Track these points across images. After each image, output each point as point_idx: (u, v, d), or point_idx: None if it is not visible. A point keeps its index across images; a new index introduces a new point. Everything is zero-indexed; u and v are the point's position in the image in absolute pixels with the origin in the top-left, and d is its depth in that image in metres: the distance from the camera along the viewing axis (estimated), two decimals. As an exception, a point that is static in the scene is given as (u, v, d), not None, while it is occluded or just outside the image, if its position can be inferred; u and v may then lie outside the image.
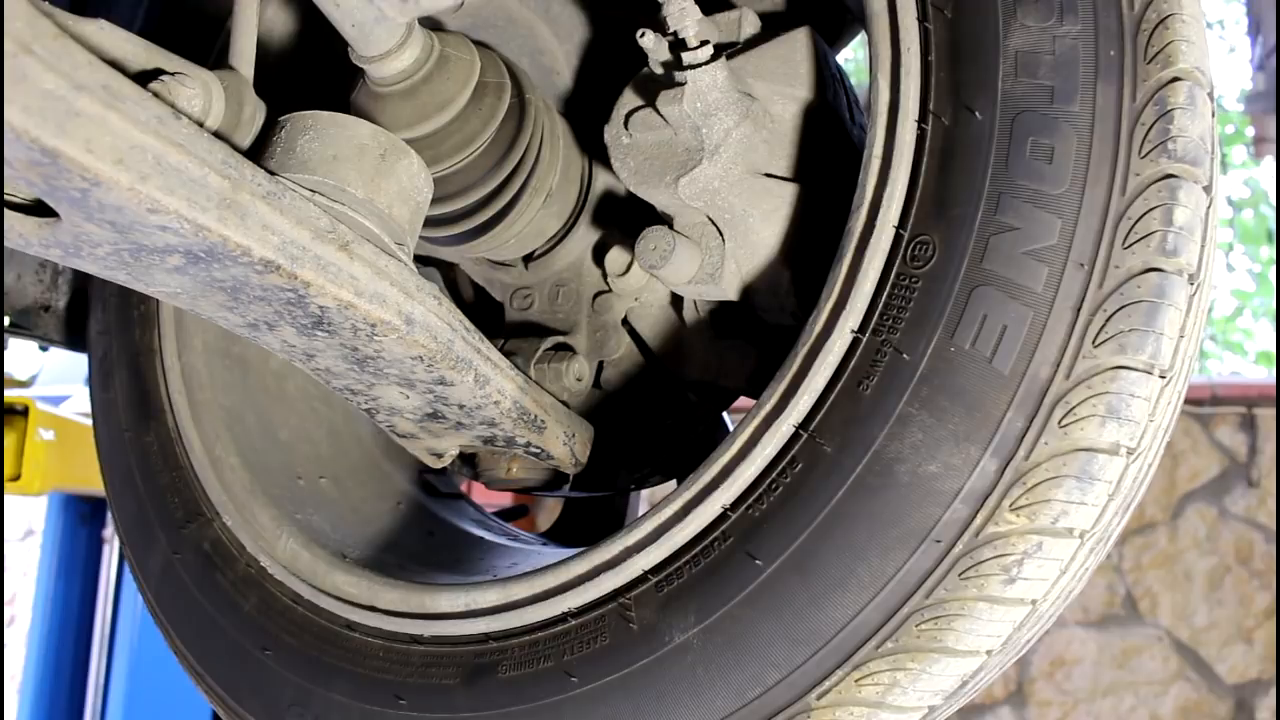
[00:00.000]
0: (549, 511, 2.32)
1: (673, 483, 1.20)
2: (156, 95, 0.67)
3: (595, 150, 1.10)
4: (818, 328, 0.82)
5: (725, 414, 1.28)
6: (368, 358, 0.81)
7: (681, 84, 0.89)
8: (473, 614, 0.93)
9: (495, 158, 0.99)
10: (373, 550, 1.12)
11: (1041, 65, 0.77)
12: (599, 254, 1.11)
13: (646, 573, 0.85)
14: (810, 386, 0.81)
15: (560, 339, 1.10)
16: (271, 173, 0.72)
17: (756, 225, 0.95)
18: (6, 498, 2.36)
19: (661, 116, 0.92)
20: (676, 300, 1.12)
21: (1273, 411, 3.60)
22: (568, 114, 1.12)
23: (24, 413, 2.12)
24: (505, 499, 2.66)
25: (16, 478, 2.10)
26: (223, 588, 1.06)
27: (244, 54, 0.82)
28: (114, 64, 0.62)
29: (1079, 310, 0.73)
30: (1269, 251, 7.98)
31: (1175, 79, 0.74)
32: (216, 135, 0.74)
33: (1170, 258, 0.73)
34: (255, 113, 0.79)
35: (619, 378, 1.14)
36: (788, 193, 0.95)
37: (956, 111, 0.79)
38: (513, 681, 0.88)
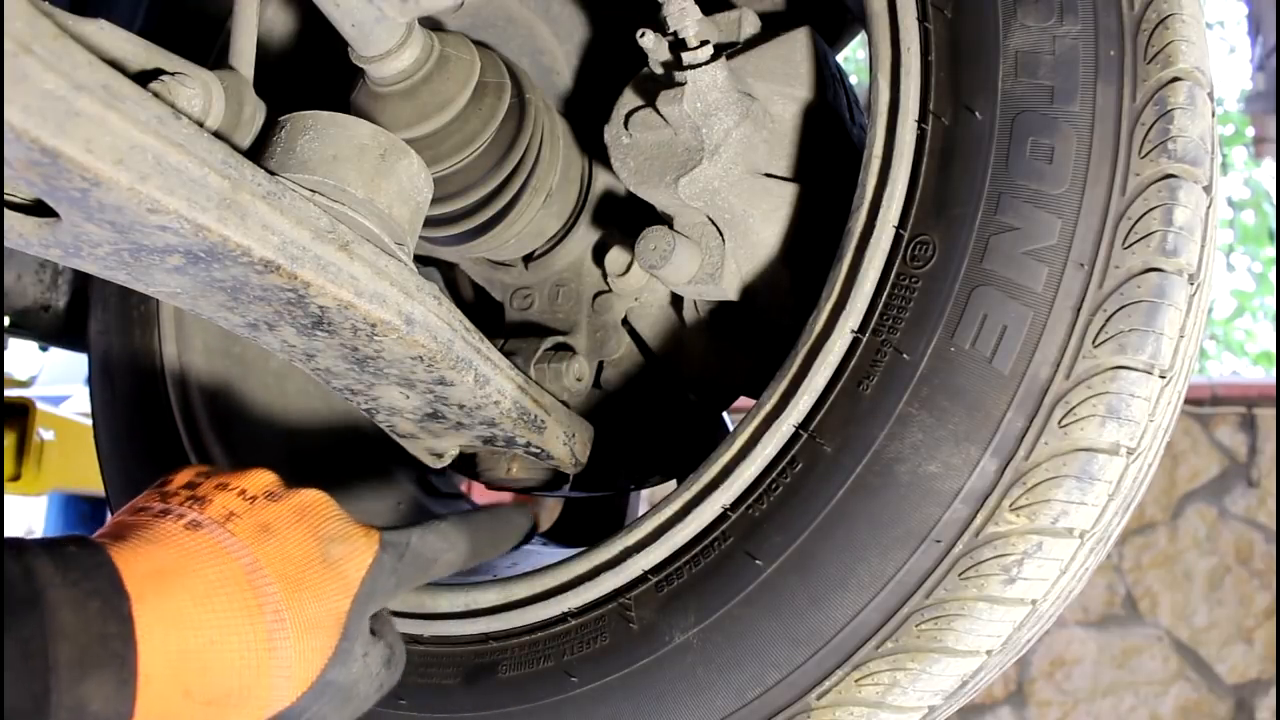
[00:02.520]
0: (549, 511, 2.32)
1: (673, 483, 1.20)
2: (156, 95, 0.67)
3: (595, 150, 1.09)
4: (818, 328, 0.82)
5: (725, 414, 1.28)
6: (368, 358, 0.81)
7: (681, 84, 0.89)
8: (472, 614, 0.93)
9: (495, 158, 0.99)
10: (373, 550, 1.12)
11: (1041, 65, 0.77)
12: (599, 254, 1.11)
13: (646, 573, 0.85)
14: (810, 386, 0.81)
15: (560, 339, 1.10)
16: (271, 173, 0.72)
17: (756, 225, 0.95)
18: (6, 498, 2.35)
19: (661, 116, 0.92)
20: (676, 300, 1.12)
21: (1273, 411, 3.60)
22: (568, 114, 1.12)
23: (24, 413, 2.12)
24: (505, 499, 2.66)
25: (16, 478, 2.10)
26: (223, 588, 1.06)
27: (244, 54, 0.82)
28: (114, 64, 0.62)
29: (1079, 310, 0.73)
30: (1269, 251, 7.97)
31: (1175, 79, 0.74)
32: (216, 135, 0.74)
33: (1170, 258, 0.73)
34: (255, 113, 0.79)
35: (619, 378, 1.14)
36: (788, 193, 0.95)
37: (956, 111, 0.79)
38: (513, 681, 0.88)
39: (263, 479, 0.70)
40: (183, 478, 0.68)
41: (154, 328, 1.18)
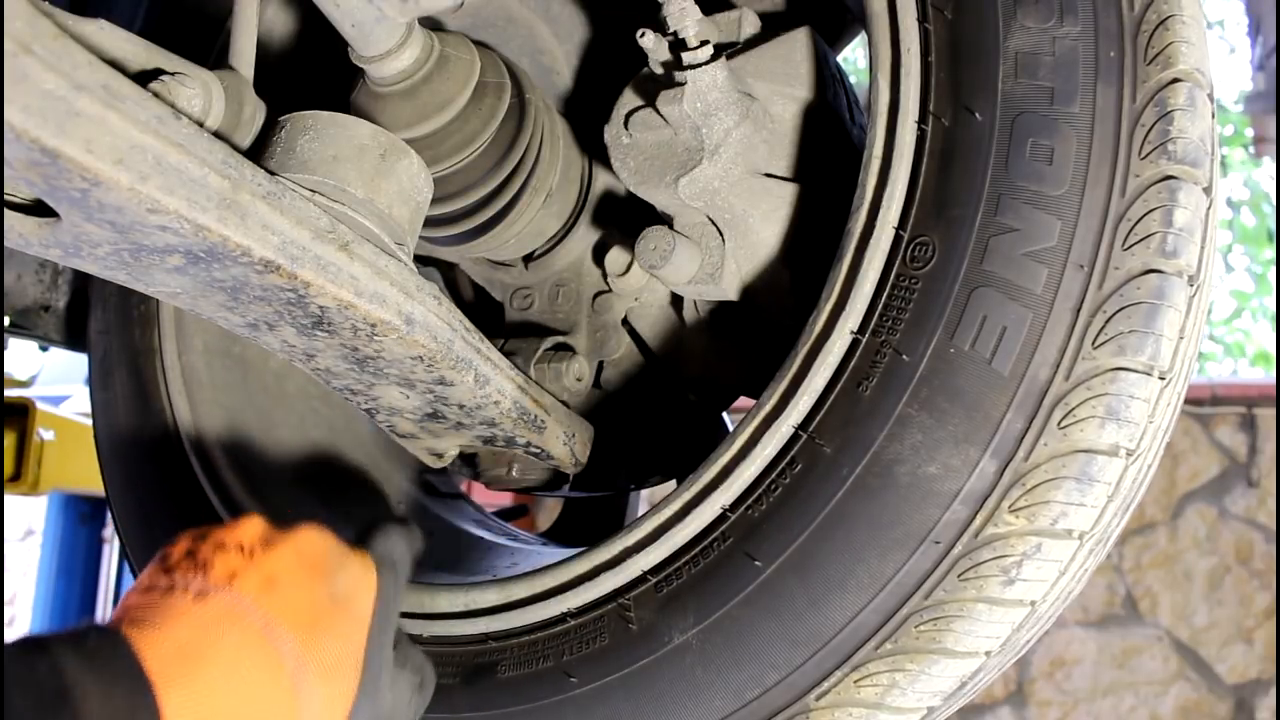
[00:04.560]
0: (549, 511, 2.32)
1: (673, 483, 1.20)
2: (156, 95, 0.67)
3: (595, 150, 1.09)
4: (818, 328, 0.82)
5: (725, 414, 1.28)
6: (368, 358, 0.81)
7: (681, 84, 0.89)
8: (472, 614, 0.93)
9: (495, 158, 0.99)
10: (372, 550, 1.12)
11: (1041, 66, 0.77)
12: (599, 254, 1.11)
13: (646, 573, 0.85)
14: (810, 387, 0.81)
15: (560, 339, 1.10)
16: (271, 173, 0.72)
17: (756, 225, 0.95)
18: (6, 498, 2.35)
19: (661, 116, 0.92)
20: (676, 300, 1.12)
21: (1273, 411, 3.60)
22: (568, 114, 1.12)
23: (24, 413, 2.12)
24: (505, 499, 2.66)
25: (16, 478, 2.10)
26: (222, 587, 1.06)
27: (244, 54, 0.82)
28: (114, 64, 0.62)
29: (1078, 312, 0.73)
30: (1269, 252, 7.96)
31: (1175, 80, 0.74)
32: (216, 135, 0.74)
33: (1170, 259, 0.73)
34: (255, 113, 0.79)
35: (619, 378, 1.14)
36: (788, 193, 0.95)
37: (956, 112, 0.79)
38: (512, 681, 0.88)
39: (253, 527, 0.70)
40: (181, 548, 0.69)
41: (154, 328, 1.18)
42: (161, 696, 0.56)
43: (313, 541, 0.71)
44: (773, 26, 1.00)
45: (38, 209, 0.64)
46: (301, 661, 0.63)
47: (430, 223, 1.00)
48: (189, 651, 0.59)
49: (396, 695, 0.71)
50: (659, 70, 0.92)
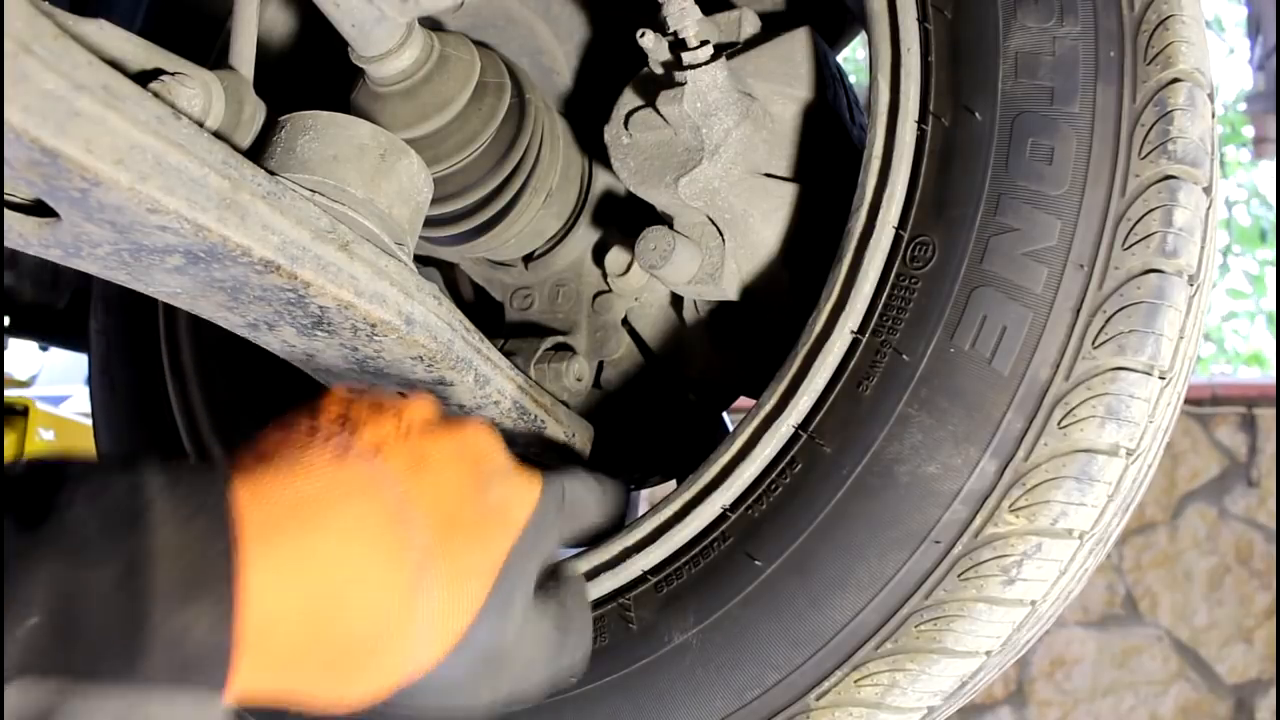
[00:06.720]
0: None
1: (673, 483, 1.20)
2: (156, 95, 0.67)
3: (595, 150, 1.09)
4: (818, 328, 0.82)
5: (725, 414, 1.28)
6: (368, 358, 0.81)
7: (681, 84, 0.89)
8: (472, 614, 0.93)
9: (495, 158, 0.99)
10: (372, 550, 1.12)
11: (1041, 66, 0.77)
12: (599, 254, 1.11)
13: (646, 573, 0.85)
14: (810, 387, 0.81)
15: (560, 339, 1.10)
16: (271, 173, 0.72)
17: (756, 225, 0.95)
18: (6, 497, 2.35)
19: (661, 116, 0.92)
20: (676, 300, 1.12)
21: (1273, 411, 3.60)
22: (568, 114, 1.12)
23: (24, 413, 2.12)
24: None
25: (16, 477, 2.10)
26: (222, 587, 1.06)
27: (244, 54, 0.82)
28: (114, 64, 0.62)
29: (1078, 311, 0.74)
30: (1265, 252, 7.97)
31: (1175, 80, 0.74)
32: (216, 135, 0.74)
33: (1170, 259, 0.73)
34: (255, 113, 0.79)
35: (619, 378, 1.14)
36: (788, 193, 0.95)
37: (956, 112, 0.79)
38: (512, 681, 0.88)
39: (421, 405, 0.62)
40: (334, 404, 0.60)
41: (154, 327, 1.18)
42: (247, 549, 0.47)
43: (480, 439, 0.62)
44: (773, 26, 1.00)
45: (38, 209, 0.64)
46: (429, 557, 0.54)
47: (430, 223, 1.00)
48: (303, 508, 0.51)
49: (528, 633, 0.61)
50: (659, 70, 0.92)
